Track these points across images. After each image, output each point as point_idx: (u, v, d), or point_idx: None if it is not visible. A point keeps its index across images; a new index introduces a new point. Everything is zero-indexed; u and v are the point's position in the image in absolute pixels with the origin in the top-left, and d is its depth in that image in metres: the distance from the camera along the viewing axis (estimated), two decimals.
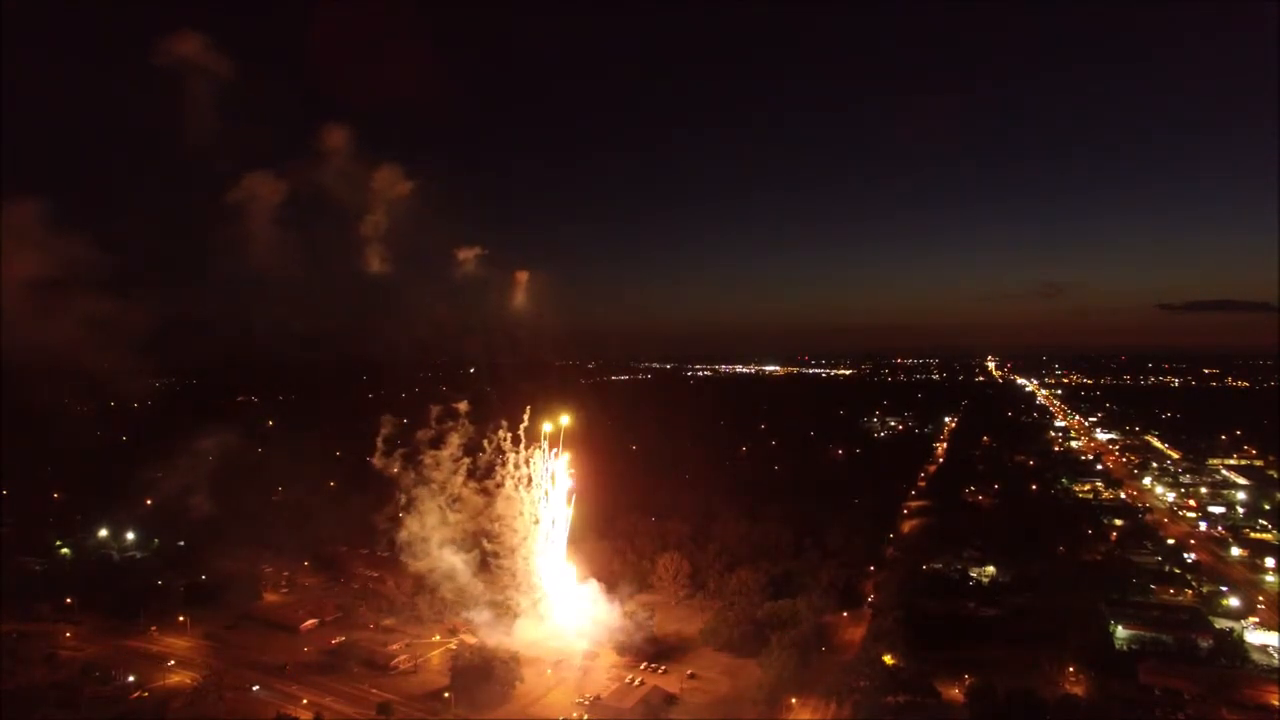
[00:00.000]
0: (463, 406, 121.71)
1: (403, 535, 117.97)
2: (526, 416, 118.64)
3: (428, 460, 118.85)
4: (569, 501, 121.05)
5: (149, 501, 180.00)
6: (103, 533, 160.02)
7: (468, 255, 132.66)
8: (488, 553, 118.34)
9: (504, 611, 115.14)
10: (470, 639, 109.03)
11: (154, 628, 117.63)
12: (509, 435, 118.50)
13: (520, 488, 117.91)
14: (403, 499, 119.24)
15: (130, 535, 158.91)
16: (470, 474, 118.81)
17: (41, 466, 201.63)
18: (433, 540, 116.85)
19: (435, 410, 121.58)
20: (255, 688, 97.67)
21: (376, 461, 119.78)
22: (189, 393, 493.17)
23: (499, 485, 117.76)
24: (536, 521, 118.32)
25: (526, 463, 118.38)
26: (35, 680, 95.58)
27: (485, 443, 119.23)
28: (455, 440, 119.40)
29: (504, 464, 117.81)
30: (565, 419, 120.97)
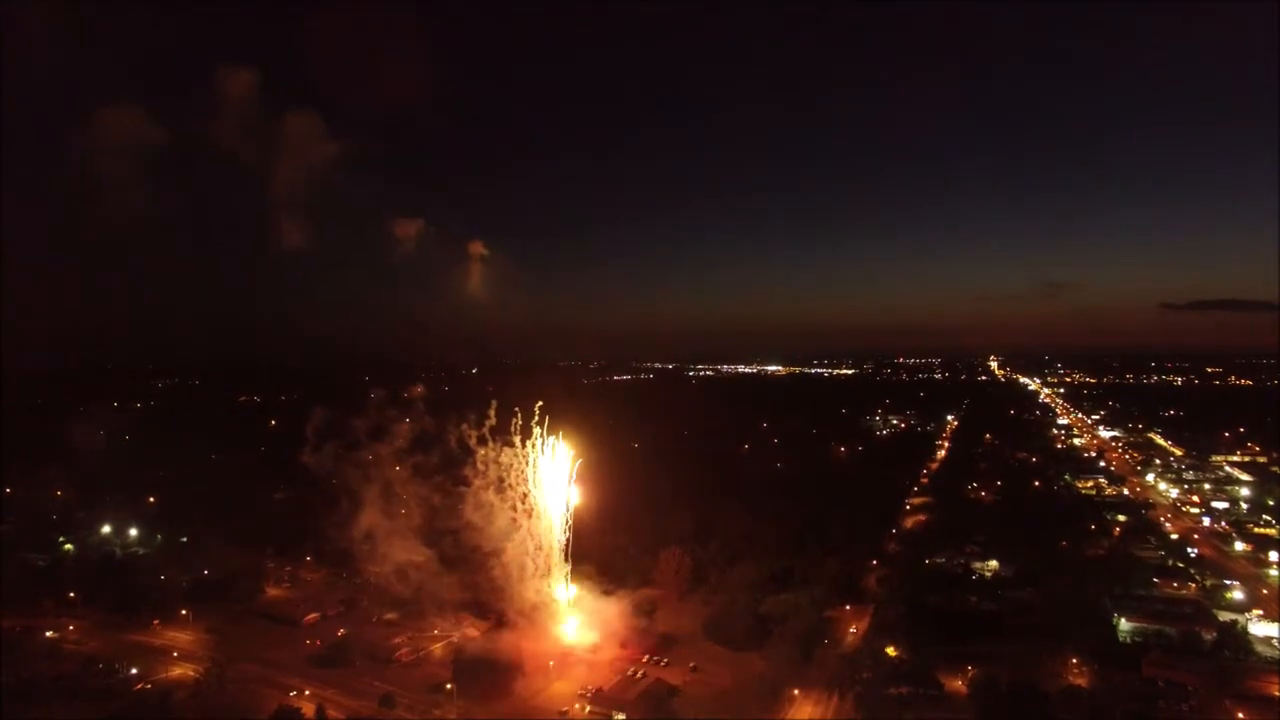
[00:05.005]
0: (418, 392, 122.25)
1: (361, 535, 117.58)
2: (520, 416, 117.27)
3: (395, 462, 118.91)
4: (568, 501, 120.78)
5: (151, 499, 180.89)
6: (105, 529, 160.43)
7: (414, 237, 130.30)
8: (455, 558, 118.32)
9: (495, 623, 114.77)
10: (473, 632, 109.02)
11: (156, 621, 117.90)
12: (498, 437, 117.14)
13: (505, 488, 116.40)
14: (346, 502, 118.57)
15: (133, 532, 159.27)
16: (457, 480, 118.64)
17: (45, 464, 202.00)
18: (395, 542, 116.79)
19: (414, 412, 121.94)
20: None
21: (307, 458, 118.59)
22: (190, 392, 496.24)
23: (467, 486, 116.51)
24: (517, 525, 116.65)
25: (494, 464, 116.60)
26: (39, 673, 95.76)
27: (478, 446, 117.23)
28: (433, 444, 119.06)
29: (478, 466, 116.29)
30: (540, 415, 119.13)
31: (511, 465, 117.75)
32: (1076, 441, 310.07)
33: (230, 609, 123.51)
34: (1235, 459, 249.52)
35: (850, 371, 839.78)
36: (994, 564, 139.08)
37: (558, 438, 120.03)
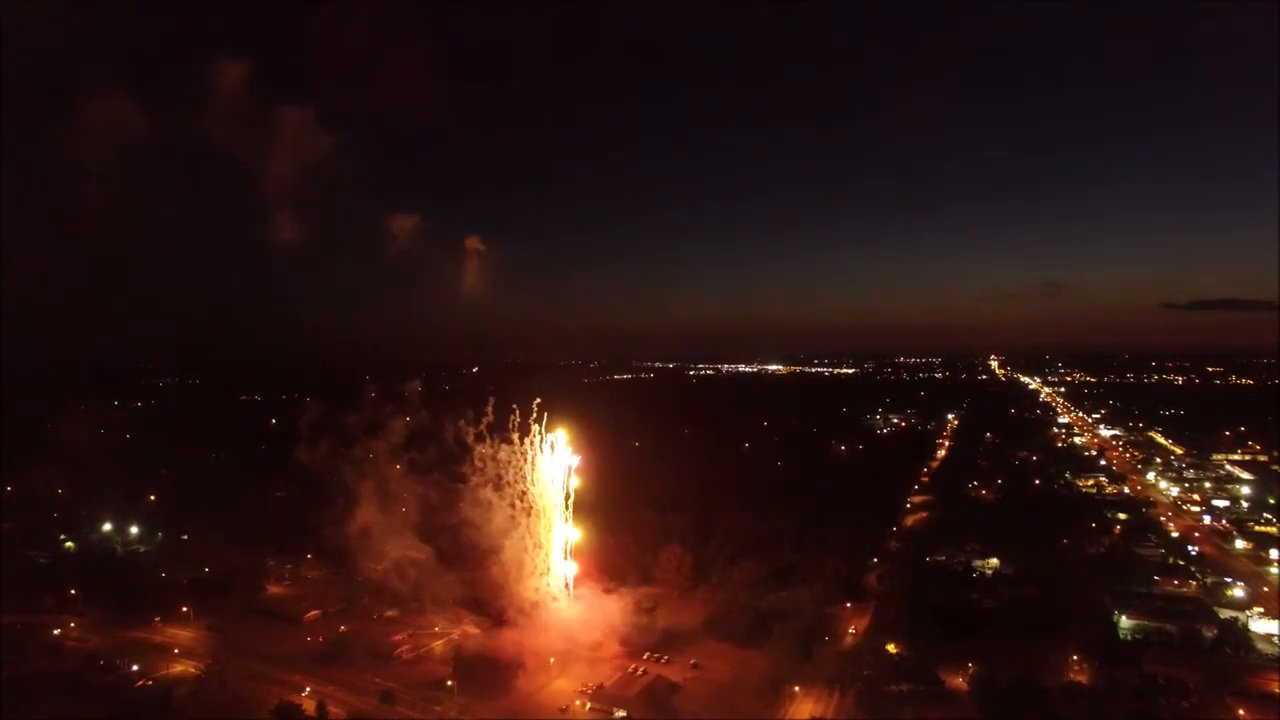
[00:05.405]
0: (418, 390, 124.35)
1: (360, 533, 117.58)
2: (519, 414, 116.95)
3: (395, 459, 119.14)
4: (568, 498, 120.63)
5: (152, 498, 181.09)
6: (106, 527, 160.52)
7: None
8: (455, 555, 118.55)
9: (495, 620, 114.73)
10: (473, 629, 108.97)
11: (157, 619, 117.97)
12: (497, 434, 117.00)
13: (503, 486, 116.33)
14: (345, 500, 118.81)
15: (134, 529, 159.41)
16: (456, 477, 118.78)
17: (46, 462, 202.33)
18: (394, 540, 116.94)
19: (413, 409, 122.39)
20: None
21: (306, 456, 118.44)
22: (190, 392, 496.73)
23: (465, 483, 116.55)
24: (516, 522, 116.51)
25: (493, 461, 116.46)
26: (40, 670, 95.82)
27: (477, 443, 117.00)
28: (432, 442, 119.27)
29: (476, 463, 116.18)
30: (539, 413, 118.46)
31: (510, 462, 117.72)
32: (1077, 440, 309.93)
33: (231, 606, 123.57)
34: (1236, 457, 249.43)
35: (851, 371, 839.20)
36: (994, 562, 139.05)
37: (557, 435, 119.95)
